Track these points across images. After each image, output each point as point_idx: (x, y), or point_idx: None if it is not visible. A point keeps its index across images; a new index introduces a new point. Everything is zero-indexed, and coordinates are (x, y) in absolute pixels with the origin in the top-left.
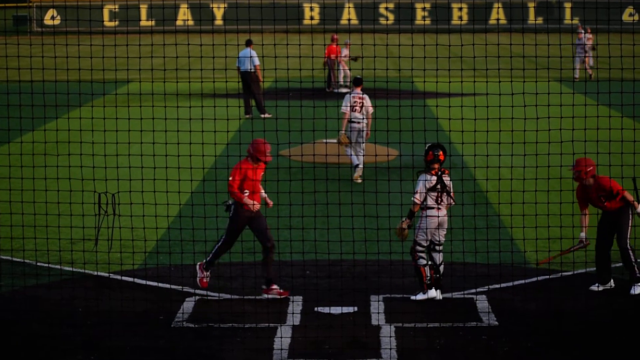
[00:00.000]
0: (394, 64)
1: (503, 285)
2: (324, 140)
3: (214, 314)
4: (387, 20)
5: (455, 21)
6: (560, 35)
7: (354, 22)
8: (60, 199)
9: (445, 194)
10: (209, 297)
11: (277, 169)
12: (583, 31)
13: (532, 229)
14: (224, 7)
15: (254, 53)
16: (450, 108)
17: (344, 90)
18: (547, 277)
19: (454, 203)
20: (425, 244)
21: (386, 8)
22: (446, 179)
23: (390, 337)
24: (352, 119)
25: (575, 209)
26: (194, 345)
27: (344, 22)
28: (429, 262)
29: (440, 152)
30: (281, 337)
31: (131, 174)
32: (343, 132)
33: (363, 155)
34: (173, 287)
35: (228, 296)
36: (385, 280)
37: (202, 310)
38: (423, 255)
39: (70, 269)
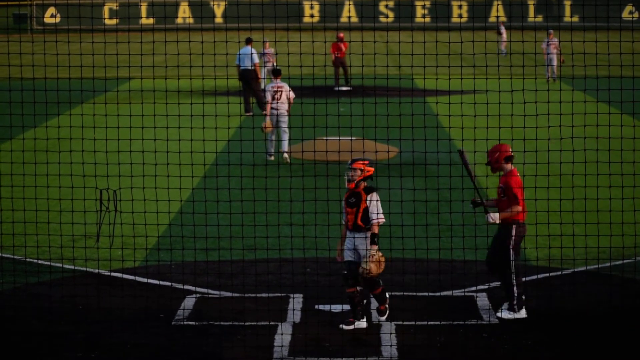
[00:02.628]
0: (394, 62)
1: None
2: (325, 137)
3: (215, 311)
4: (387, 18)
5: (455, 19)
6: (560, 33)
7: (354, 19)
8: (61, 196)
9: None
10: (209, 295)
11: (278, 166)
12: (504, 28)
13: (532, 225)
14: (224, 5)
15: (254, 51)
16: (450, 105)
17: (344, 88)
18: (547, 274)
19: None
20: None
21: (386, 6)
22: None
23: (391, 334)
24: (273, 107)
25: (576, 206)
26: (194, 342)
27: (344, 19)
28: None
29: None
30: (282, 335)
31: (132, 170)
32: (267, 119)
33: (288, 140)
34: (174, 284)
35: (229, 294)
36: (385, 278)
37: (203, 308)
38: None
39: (71, 266)
